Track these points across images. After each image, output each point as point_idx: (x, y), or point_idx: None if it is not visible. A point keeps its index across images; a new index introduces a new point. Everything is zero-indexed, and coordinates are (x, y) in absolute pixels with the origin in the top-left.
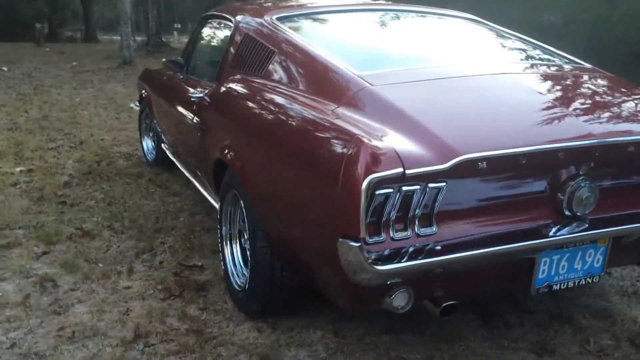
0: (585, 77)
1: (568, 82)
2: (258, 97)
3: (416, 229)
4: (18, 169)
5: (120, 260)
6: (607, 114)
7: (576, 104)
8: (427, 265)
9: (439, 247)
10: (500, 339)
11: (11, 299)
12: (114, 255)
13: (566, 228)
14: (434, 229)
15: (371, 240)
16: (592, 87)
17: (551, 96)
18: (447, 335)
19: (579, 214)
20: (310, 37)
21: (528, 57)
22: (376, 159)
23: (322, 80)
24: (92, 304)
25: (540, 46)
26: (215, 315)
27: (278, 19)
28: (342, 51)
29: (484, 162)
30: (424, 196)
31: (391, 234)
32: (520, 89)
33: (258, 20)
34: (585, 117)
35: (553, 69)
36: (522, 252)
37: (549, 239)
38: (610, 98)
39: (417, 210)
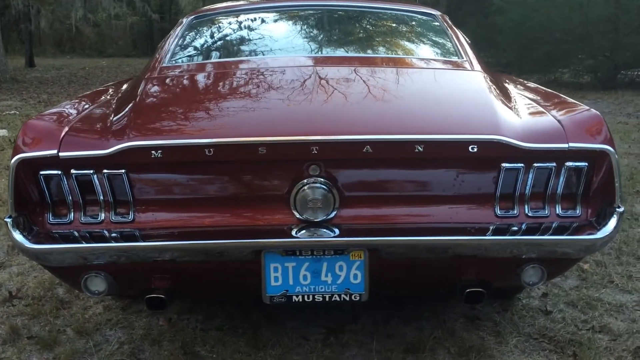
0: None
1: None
2: None
3: (111, 215)
4: None
5: None
6: (363, 110)
7: (337, 98)
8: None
9: (134, 234)
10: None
11: None
12: None
13: (302, 232)
14: (131, 216)
15: (53, 220)
16: (405, 82)
17: (320, 89)
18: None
19: (312, 218)
20: (186, 36)
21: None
22: (32, 140)
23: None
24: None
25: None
26: None
27: (194, 18)
28: (191, 45)
29: (159, 152)
30: (108, 182)
31: (81, 218)
32: (296, 82)
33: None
34: (321, 112)
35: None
36: (229, 250)
37: (254, 241)
38: (418, 94)
39: (109, 197)
